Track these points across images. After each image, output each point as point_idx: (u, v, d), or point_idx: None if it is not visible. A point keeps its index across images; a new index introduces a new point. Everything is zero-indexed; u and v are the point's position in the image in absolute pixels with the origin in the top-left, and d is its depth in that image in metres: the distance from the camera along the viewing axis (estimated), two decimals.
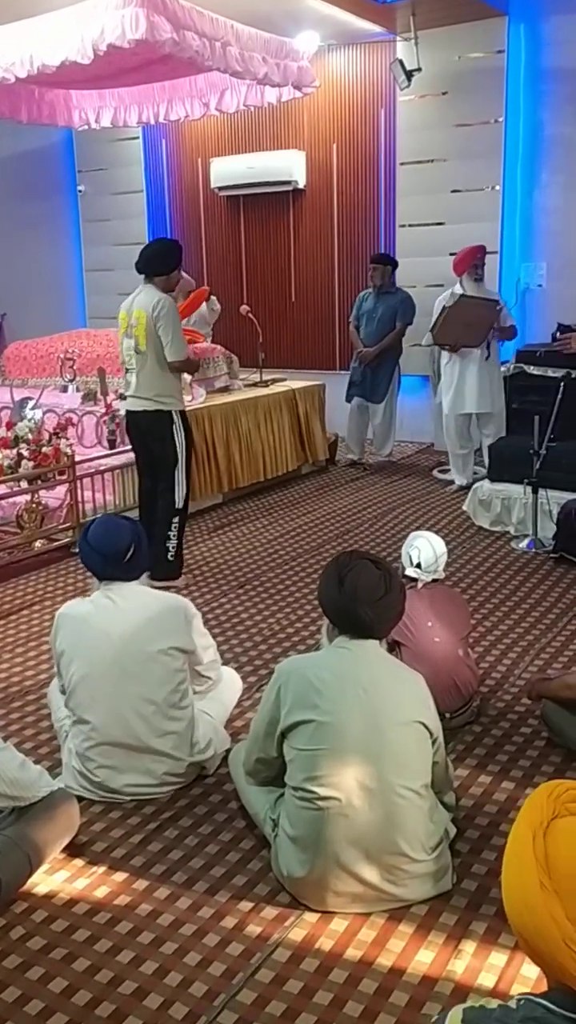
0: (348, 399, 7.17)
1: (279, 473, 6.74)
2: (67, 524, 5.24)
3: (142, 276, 4.59)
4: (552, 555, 4.88)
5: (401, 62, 6.84)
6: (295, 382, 7.13)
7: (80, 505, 5.27)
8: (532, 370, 6.88)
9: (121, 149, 8.98)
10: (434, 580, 3.21)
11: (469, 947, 2.14)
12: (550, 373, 6.82)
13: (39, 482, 5.15)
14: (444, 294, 6.41)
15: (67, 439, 5.34)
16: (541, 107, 7.07)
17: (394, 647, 3.15)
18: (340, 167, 7.96)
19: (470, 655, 3.25)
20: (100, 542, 2.77)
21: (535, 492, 5.07)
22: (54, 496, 5.35)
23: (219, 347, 6.73)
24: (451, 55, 7.07)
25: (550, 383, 6.79)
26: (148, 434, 4.63)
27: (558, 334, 7.22)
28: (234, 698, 3.16)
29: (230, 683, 3.16)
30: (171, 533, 4.57)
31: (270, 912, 2.28)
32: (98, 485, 5.46)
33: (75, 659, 2.70)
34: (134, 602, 2.76)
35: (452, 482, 6.58)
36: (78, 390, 6.32)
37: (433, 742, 2.30)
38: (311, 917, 2.25)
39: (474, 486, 5.64)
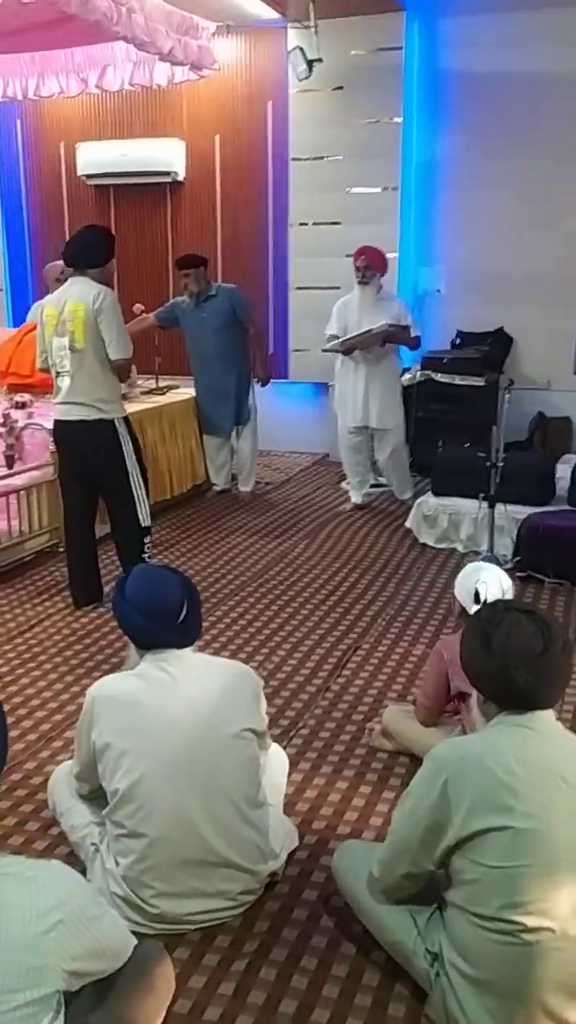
0: (212, 433, 6.26)
1: (185, 489, 6.13)
2: None
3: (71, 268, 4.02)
4: (518, 574, 4.62)
5: (302, 50, 6.43)
6: (190, 390, 6.54)
7: None
8: (440, 377, 6.70)
9: None
10: None
11: None
12: (458, 381, 6.68)
13: None
14: (344, 297, 6.03)
15: None
16: (437, 110, 6.88)
17: (460, 700, 2.72)
18: (224, 160, 7.43)
19: None
20: (146, 600, 2.14)
21: (492, 507, 4.79)
22: None
23: None
24: (346, 48, 6.73)
25: (457, 391, 6.66)
26: (85, 447, 4.00)
27: (457, 341, 7.13)
28: (284, 776, 2.60)
29: (277, 759, 2.59)
30: (146, 556, 4.07)
31: None
32: None
33: (127, 754, 2.06)
34: (196, 674, 2.15)
35: None
36: None
37: None
38: None
39: (418, 500, 5.30)
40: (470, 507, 5.00)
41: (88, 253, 3.93)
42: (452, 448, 5.42)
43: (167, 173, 7.43)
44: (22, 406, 5.11)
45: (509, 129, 6.64)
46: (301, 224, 7.20)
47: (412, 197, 7.06)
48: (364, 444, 5.98)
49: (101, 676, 3.52)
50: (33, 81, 6.55)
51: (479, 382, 6.62)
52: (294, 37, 6.70)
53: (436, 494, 5.20)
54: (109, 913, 1.63)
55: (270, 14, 6.63)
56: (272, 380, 6.53)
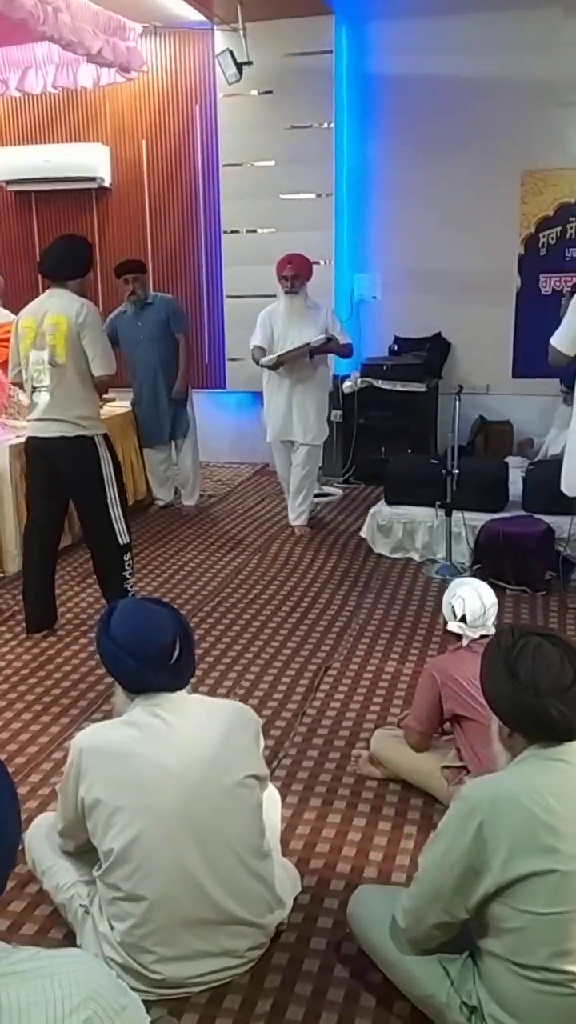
0: (150, 444, 6.09)
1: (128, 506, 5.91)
2: None
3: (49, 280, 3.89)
4: None
5: (231, 53, 6.29)
6: (126, 403, 6.33)
7: None
8: (381, 384, 6.65)
9: None
10: (482, 636, 2.71)
11: None
12: (399, 387, 6.64)
13: None
14: (269, 307, 5.87)
15: None
16: (367, 115, 6.85)
17: (454, 723, 2.62)
18: (152, 166, 7.24)
19: None
20: (136, 641, 1.95)
21: (448, 515, 4.73)
22: None
23: None
24: (275, 52, 6.61)
25: (397, 397, 6.61)
26: (65, 465, 3.84)
27: (395, 347, 7.10)
28: (278, 815, 2.44)
29: (268, 797, 2.42)
30: (127, 574, 3.96)
31: None
32: None
33: (121, 811, 1.88)
34: (193, 719, 1.98)
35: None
36: None
37: None
38: None
39: (371, 510, 5.19)
40: (425, 515, 4.94)
41: (67, 264, 3.78)
42: (404, 456, 5.36)
43: (92, 179, 7.20)
44: None
45: (438, 134, 6.65)
46: (233, 232, 7.06)
47: (345, 203, 7.00)
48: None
49: (62, 712, 3.34)
50: None
51: (420, 388, 6.60)
52: (221, 40, 6.57)
53: (389, 503, 5.11)
54: (133, 1000, 1.45)
55: (196, 16, 6.48)
56: (209, 390, 6.36)
